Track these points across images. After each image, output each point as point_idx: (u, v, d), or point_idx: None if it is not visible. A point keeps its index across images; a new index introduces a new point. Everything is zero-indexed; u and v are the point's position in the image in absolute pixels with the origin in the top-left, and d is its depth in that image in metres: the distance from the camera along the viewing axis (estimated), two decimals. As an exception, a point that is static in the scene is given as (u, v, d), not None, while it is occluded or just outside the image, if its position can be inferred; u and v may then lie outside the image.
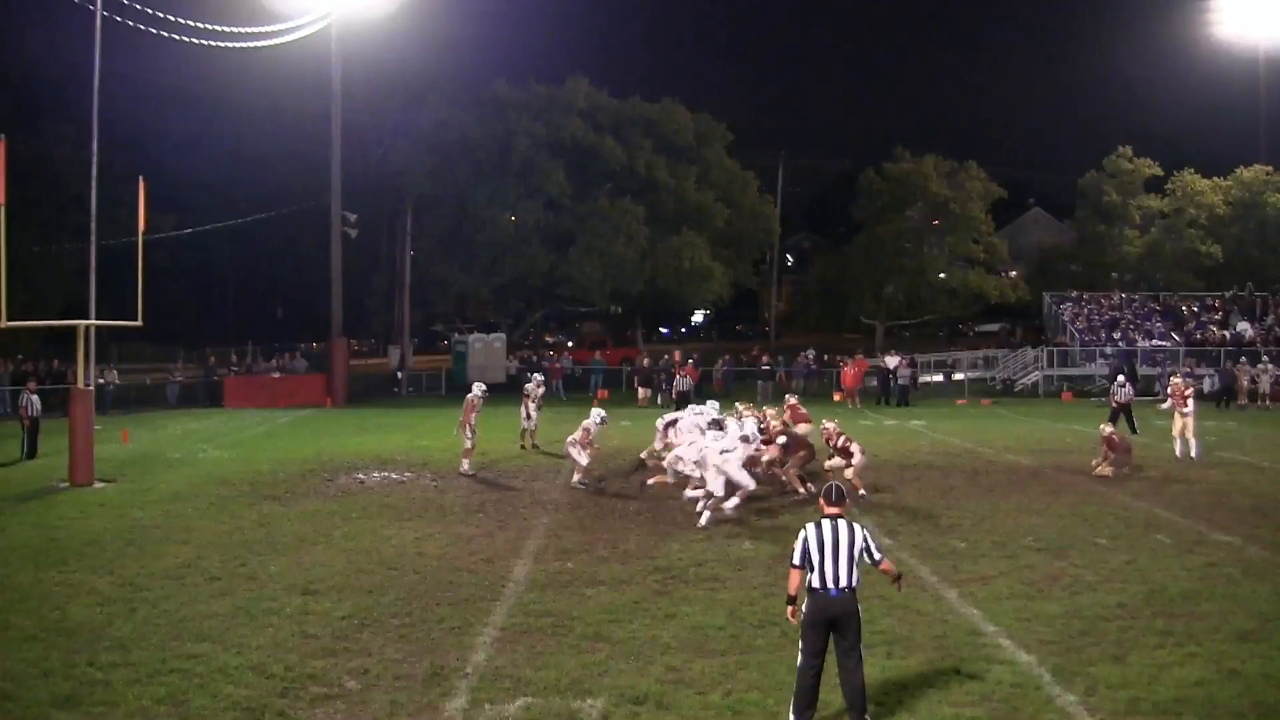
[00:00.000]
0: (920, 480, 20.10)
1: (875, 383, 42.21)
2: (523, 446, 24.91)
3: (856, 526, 8.17)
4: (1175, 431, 23.31)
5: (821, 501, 8.41)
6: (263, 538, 14.76)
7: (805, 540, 8.08)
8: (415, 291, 53.05)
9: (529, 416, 25.14)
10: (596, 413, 20.58)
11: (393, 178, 50.10)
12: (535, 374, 29.75)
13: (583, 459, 19.69)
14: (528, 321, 59.41)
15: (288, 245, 59.91)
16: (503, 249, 49.10)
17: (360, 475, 20.79)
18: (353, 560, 13.37)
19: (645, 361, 44.28)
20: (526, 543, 14.46)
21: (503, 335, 51.38)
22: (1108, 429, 21.71)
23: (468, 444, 21.44)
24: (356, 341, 66.02)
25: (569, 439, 20.04)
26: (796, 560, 8.11)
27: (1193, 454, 22.60)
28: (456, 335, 55.17)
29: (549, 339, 73.57)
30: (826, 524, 8.12)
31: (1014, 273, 65.32)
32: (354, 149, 46.07)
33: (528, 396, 25.45)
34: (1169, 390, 24.05)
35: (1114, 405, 27.54)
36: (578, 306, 57.76)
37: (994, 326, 70.74)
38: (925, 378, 46.80)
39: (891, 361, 41.57)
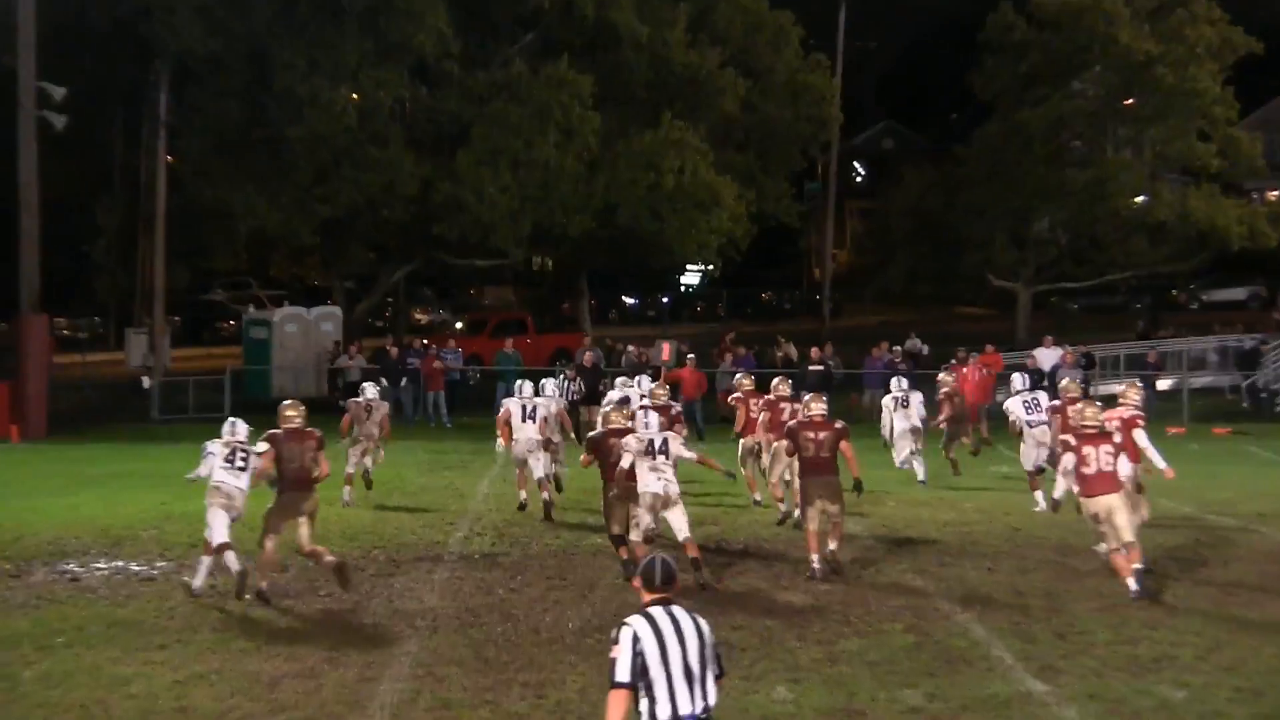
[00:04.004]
0: (1098, 573, 19.98)
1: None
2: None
3: (698, 617, 8.54)
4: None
5: (637, 583, 8.76)
6: (-110, 683, 14.65)
7: (636, 643, 8.32)
8: (176, 231, 52.61)
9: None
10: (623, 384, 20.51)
11: (133, 25, 49.72)
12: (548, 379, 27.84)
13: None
14: (382, 286, 59.23)
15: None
16: (337, 154, 48.87)
17: (72, 566, 20.74)
18: (57, 724, 13.28)
19: (588, 357, 42.91)
20: (378, 688, 14.33)
21: (336, 310, 51.33)
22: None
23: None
24: (67, 323, 65.83)
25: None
26: (623, 676, 8.33)
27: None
28: (251, 310, 54.91)
29: (420, 316, 73.36)
30: (662, 616, 8.42)
31: (1276, 194, 65.40)
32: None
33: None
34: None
35: None
36: (472, 259, 57.33)
37: (1240, 292, 71.05)
38: (1110, 387, 46.93)
39: (1047, 357, 41.68)
